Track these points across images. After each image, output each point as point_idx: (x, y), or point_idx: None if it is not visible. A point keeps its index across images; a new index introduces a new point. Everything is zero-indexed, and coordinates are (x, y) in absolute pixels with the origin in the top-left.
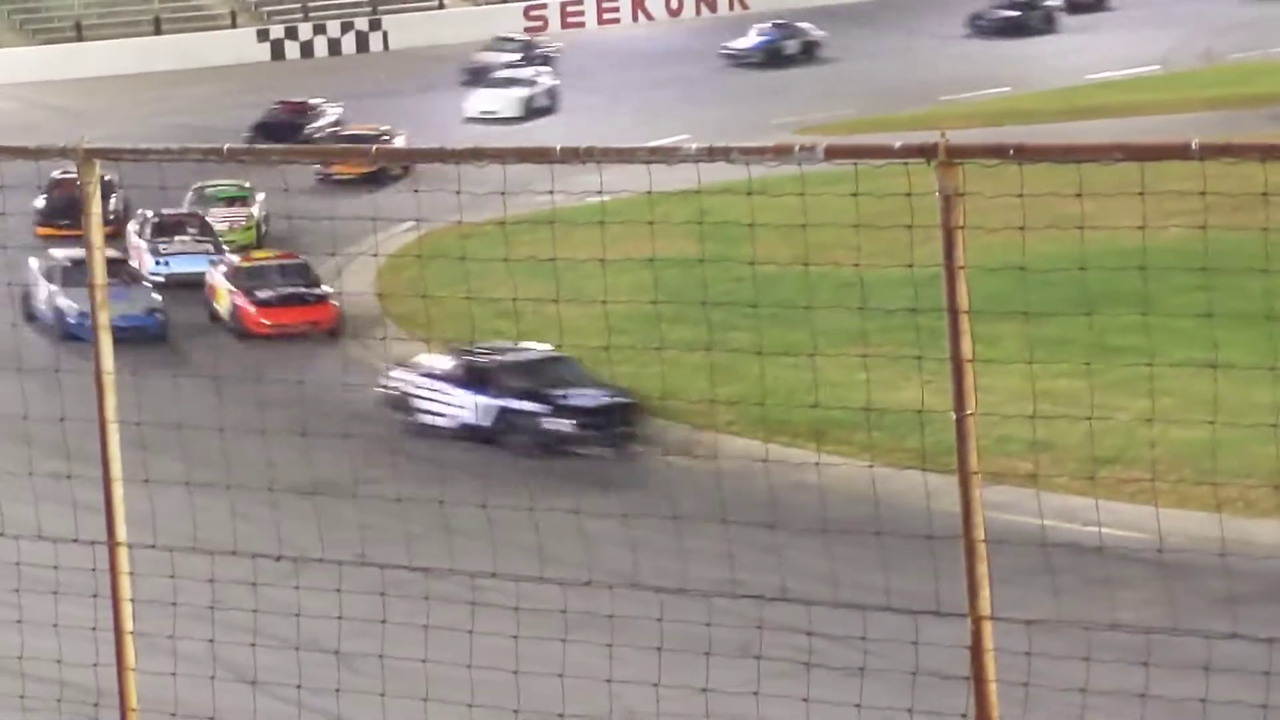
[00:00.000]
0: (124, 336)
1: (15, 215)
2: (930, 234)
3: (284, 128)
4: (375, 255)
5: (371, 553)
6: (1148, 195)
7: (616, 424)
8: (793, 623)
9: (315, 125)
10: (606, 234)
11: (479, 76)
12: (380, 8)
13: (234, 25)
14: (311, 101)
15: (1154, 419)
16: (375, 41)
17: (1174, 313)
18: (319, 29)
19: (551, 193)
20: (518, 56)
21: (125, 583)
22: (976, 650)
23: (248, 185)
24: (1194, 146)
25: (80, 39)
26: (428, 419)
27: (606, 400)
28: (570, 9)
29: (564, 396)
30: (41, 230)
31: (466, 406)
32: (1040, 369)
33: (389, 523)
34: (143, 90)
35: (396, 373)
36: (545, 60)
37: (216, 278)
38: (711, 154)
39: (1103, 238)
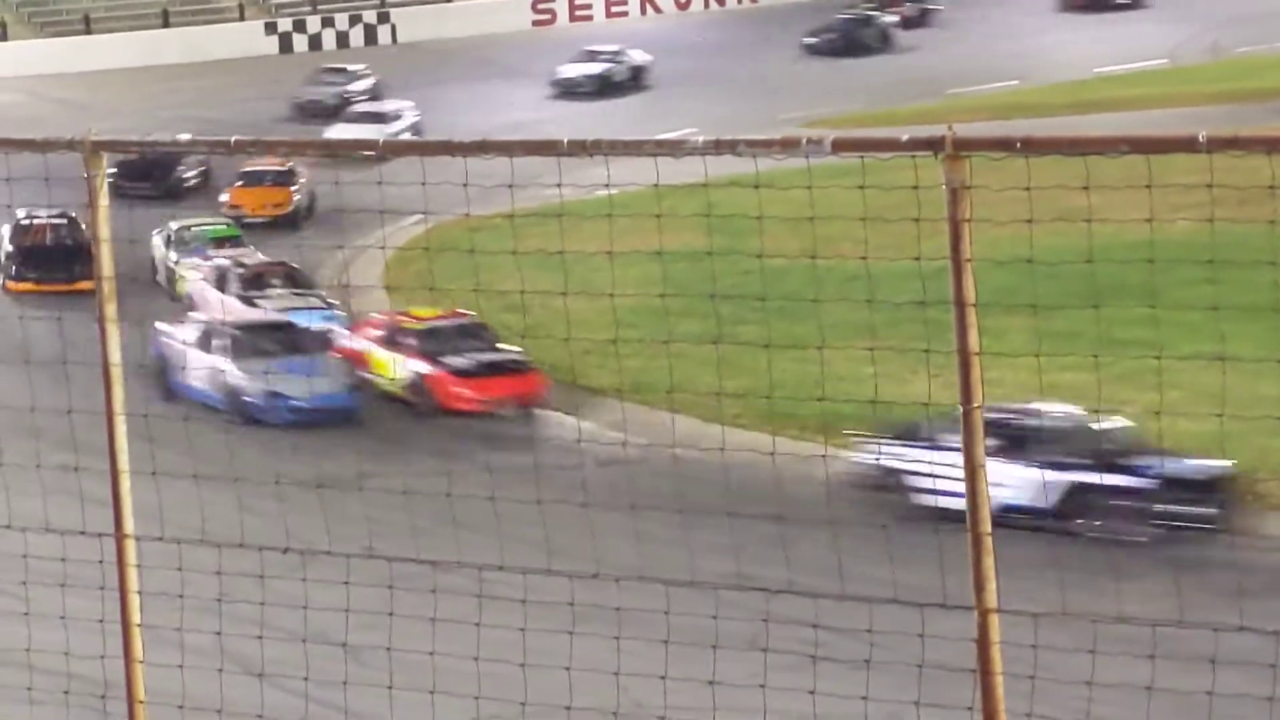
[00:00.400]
0: (318, 420)
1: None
2: (938, 227)
3: (151, 167)
4: (383, 248)
5: (379, 545)
6: (1155, 188)
7: (1222, 498)
8: (799, 616)
9: (185, 163)
10: (614, 227)
11: (309, 112)
12: (388, 0)
13: (241, 18)
14: (179, 138)
15: (1162, 412)
16: (383, 34)
17: (1181, 306)
18: (327, 22)
19: (559, 185)
20: (347, 88)
21: (132, 575)
22: (983, 643)
23: (232, 222)
24: (1201, 139)
25: (88, 32)
26: (942, 501)
27: (1215, 471)
28: (578, 3)
29: (1154, 466)
30: (13, 286)
31: (1010, 483)
32: (1048, 362)
33: (395, 516)
34: (150, 83)
35: (873, 445)
36: (374, 96)
37: (364, 342)
38: (718, 147)
39: (1110, 231)
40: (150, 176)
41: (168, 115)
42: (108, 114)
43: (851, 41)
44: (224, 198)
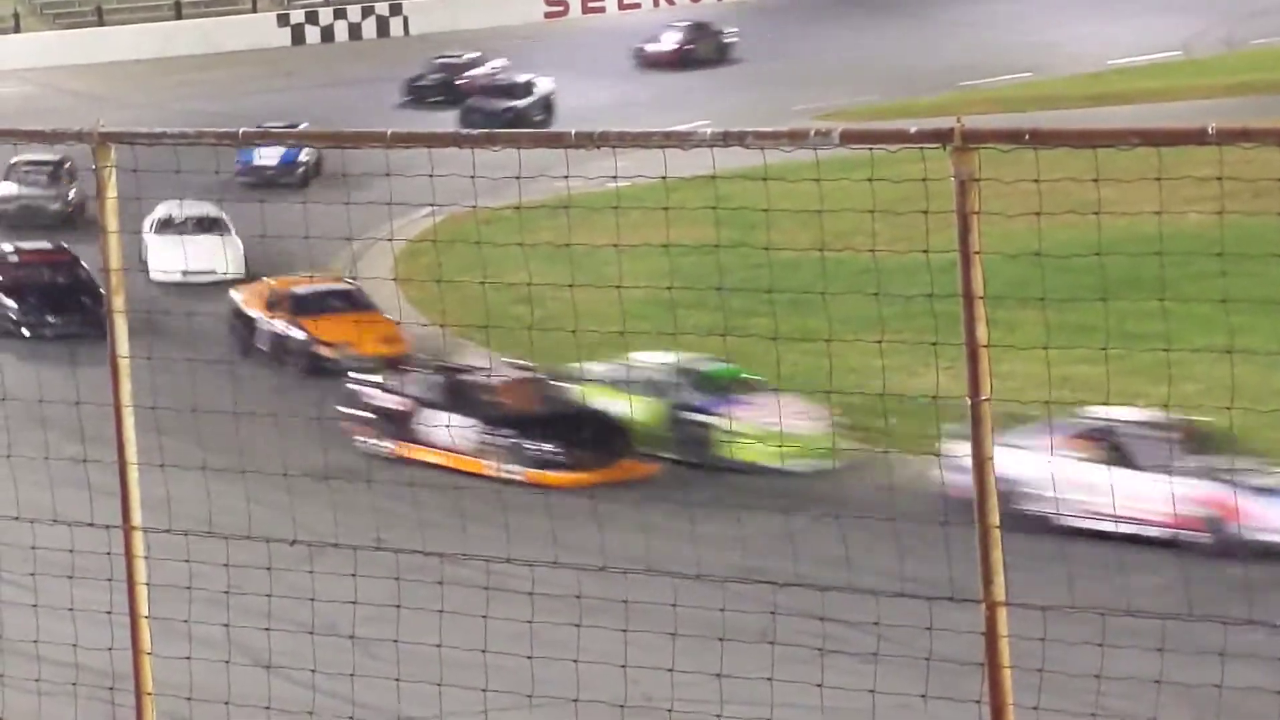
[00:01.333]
0: None
1: None
2: (949, 219)
3: (71, 292)
4: (391, 240)
5: (387, 538)
6: (1167, 181)
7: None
8: (808, 608)
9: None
10: (624, 219)
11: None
12: None
13: (254, 10)
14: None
15: (1173, 405)
16: (396, 26)
17: (1193, 299)
18: (339, 14)
19: (567, 177)
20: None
21: (141, 567)
22: (991, 636)
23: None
24: (1210, 131)
25: (101, 23)
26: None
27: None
28: None
29: None
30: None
31: None
32: (1060, 355)
33: (404, 509)
34: (163, 75)
35: None
36: (71, 178)
37: None
38: (726, 139)
39: (1122, 224)
40: (71, 306)
41: (181, 107)
42: (120, 106)
43: (514, 117)
44: (298, 334)
